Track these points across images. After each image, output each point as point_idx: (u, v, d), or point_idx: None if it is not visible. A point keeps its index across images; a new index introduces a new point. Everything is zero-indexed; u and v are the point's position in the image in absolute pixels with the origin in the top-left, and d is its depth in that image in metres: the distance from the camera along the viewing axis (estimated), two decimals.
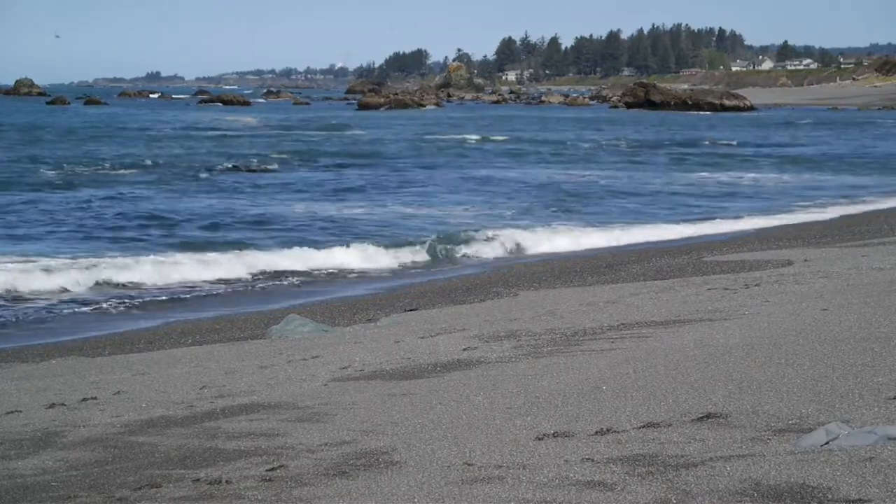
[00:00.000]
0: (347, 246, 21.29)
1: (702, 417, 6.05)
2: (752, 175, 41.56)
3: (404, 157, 49.75)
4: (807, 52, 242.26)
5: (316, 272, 19.48)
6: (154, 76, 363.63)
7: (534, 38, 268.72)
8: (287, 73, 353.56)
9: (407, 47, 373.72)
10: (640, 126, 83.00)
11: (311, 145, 56.65)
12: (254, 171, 41.33)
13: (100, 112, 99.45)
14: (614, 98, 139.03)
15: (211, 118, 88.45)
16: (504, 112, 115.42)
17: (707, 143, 62.87)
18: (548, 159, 50.05)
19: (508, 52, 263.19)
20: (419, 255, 21.27)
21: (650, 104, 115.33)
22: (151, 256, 19.81)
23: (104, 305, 16.26)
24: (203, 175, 38.90)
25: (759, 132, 75.24)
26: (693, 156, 52.22)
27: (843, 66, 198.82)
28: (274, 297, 17.09)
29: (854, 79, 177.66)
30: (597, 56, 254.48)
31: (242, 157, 46.46)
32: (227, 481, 5.53)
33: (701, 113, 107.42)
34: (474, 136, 65.67)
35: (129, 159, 45.27)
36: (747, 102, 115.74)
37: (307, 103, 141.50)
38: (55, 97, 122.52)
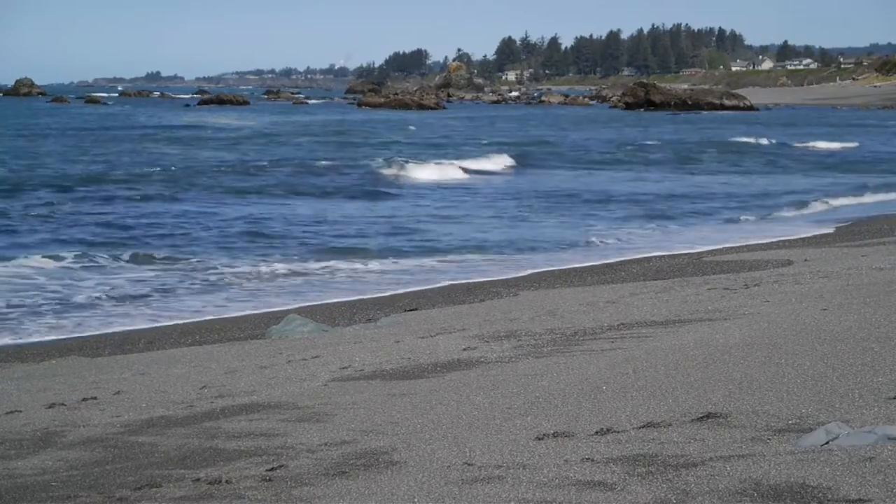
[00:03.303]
0: None
1: (702, 417, 6.05)
2: None
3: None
4: (807, 52, 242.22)
5: None
6: (154, 76, 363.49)
7: (534, 38, 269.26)
8: (287, 73, 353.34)
9: (407, 47, 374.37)
10: (684, 126, 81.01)
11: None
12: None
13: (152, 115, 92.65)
14: (614, 98, 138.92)
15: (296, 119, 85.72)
16: (543, 112, 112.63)
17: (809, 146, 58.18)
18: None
19: (508, 52, 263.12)
20: None
21: (650, 104, 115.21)
22: None
23: None
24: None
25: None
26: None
27: (843, 67, 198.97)
28: (274, 296, 17.08)
29: (854, 79, 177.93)
30: (597, 56, 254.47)
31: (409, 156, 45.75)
32: (227, 481, 5.53)
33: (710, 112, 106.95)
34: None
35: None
36: (747, 102, 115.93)
37: (305, 102, 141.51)
38: (55, 97, 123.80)
